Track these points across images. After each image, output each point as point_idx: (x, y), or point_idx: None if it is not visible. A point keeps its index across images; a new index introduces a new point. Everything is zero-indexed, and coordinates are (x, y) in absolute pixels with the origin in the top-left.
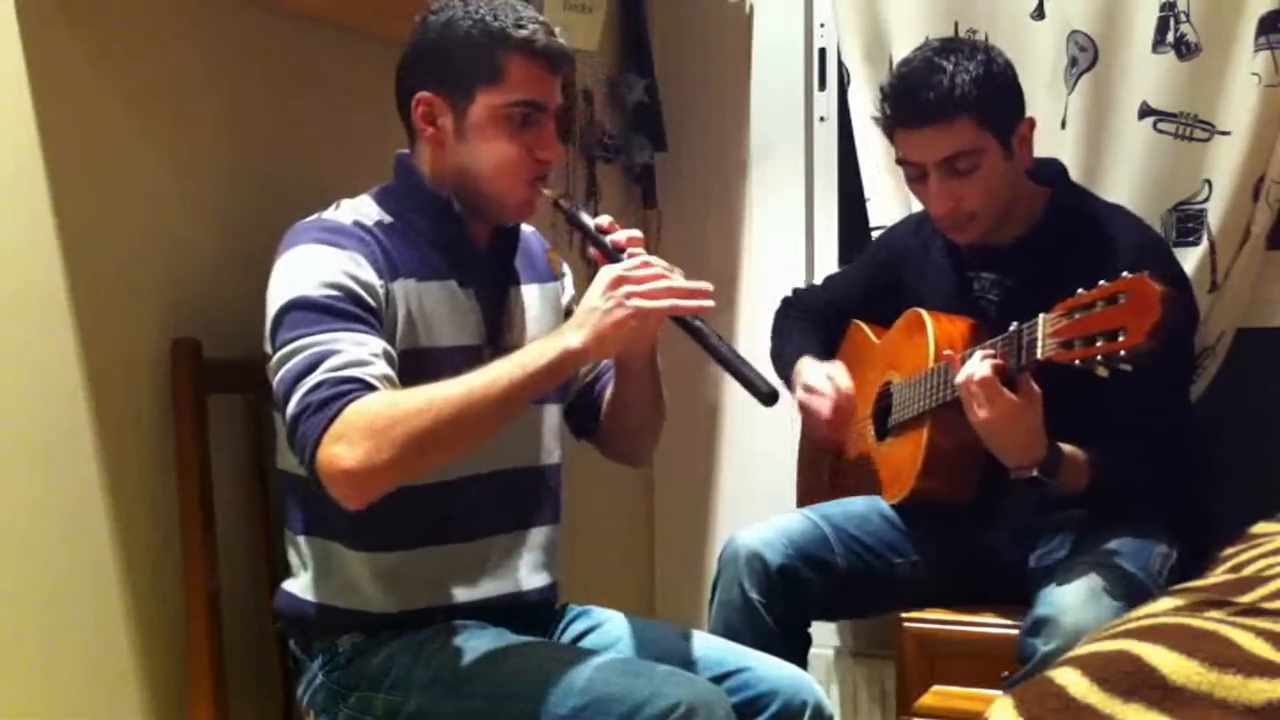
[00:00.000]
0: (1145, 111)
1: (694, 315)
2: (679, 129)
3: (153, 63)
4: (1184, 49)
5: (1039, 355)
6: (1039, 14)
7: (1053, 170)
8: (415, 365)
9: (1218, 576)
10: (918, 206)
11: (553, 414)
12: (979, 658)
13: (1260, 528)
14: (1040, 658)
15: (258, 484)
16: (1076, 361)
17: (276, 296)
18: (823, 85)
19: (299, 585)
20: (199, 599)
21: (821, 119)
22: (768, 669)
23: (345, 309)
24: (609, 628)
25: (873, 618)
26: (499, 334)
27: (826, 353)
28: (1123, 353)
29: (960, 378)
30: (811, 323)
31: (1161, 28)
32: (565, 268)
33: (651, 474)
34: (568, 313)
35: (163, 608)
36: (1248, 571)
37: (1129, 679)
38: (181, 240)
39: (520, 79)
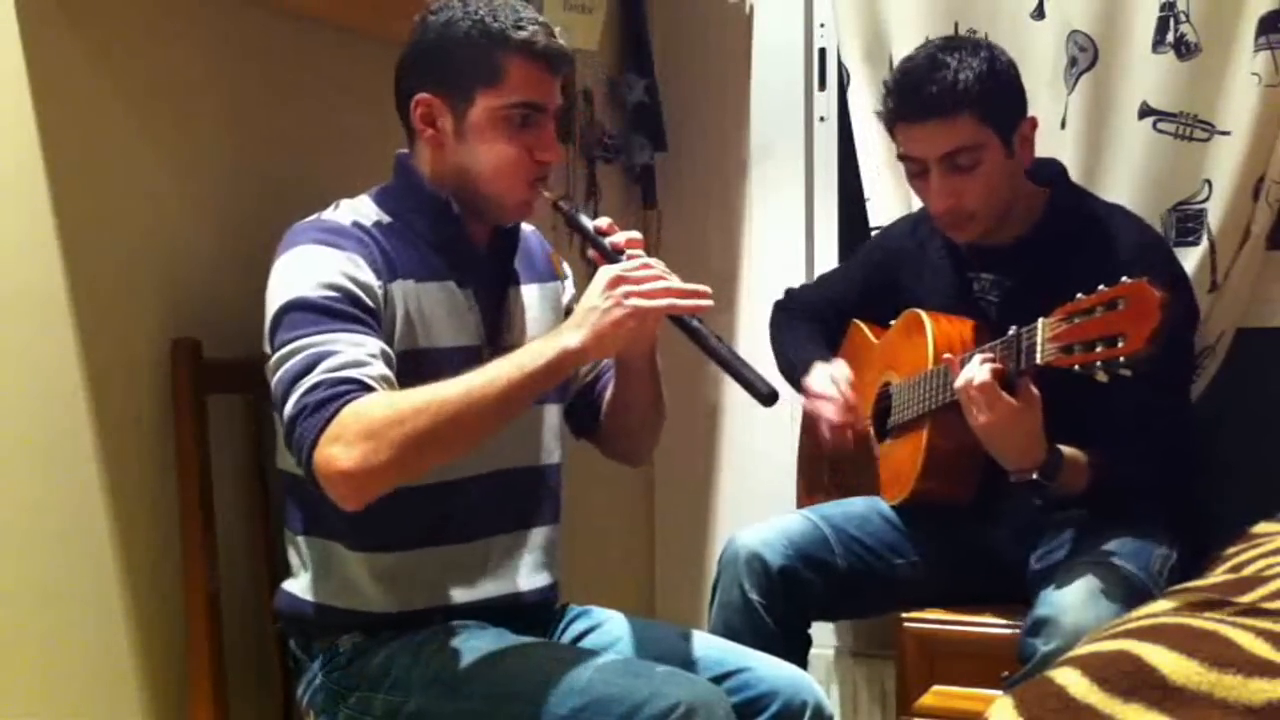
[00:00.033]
0: (1145, 111)
1: (693, 316)
2: (679, 129)
3: (153, 63)
4: (1184, 49)
5: (1038, 360)
6: (1039, 14)
7: (1052, 170)
8: (414, 366)
9: (1218, 576)
10: (917, 206)
11: (553, 414)
12: (979, 658)
13: (1260, 528)
14: (1040, 658)
15: (258, 484)
16: (1076, 366)
17: (275, 297)
18: (823, 85)
19: (299, 585)
20: (199, 599)
21: (821, 119)
22: (768, 669)
23: (343, 310)
24: (609, 628)
25: (873, 618)
26: (498, 334)
27: (831, 354)
28: (1122, 359)
29: (959, 382)
30: (817, 324)
31: (1161, 28)
32: (566, 268)
33: (651, 474)
34: (568, 312)
35: (163, 608)
36: (1248, 571)
37: (1129, 679)
38: (181, 240)
39: (520, 80)
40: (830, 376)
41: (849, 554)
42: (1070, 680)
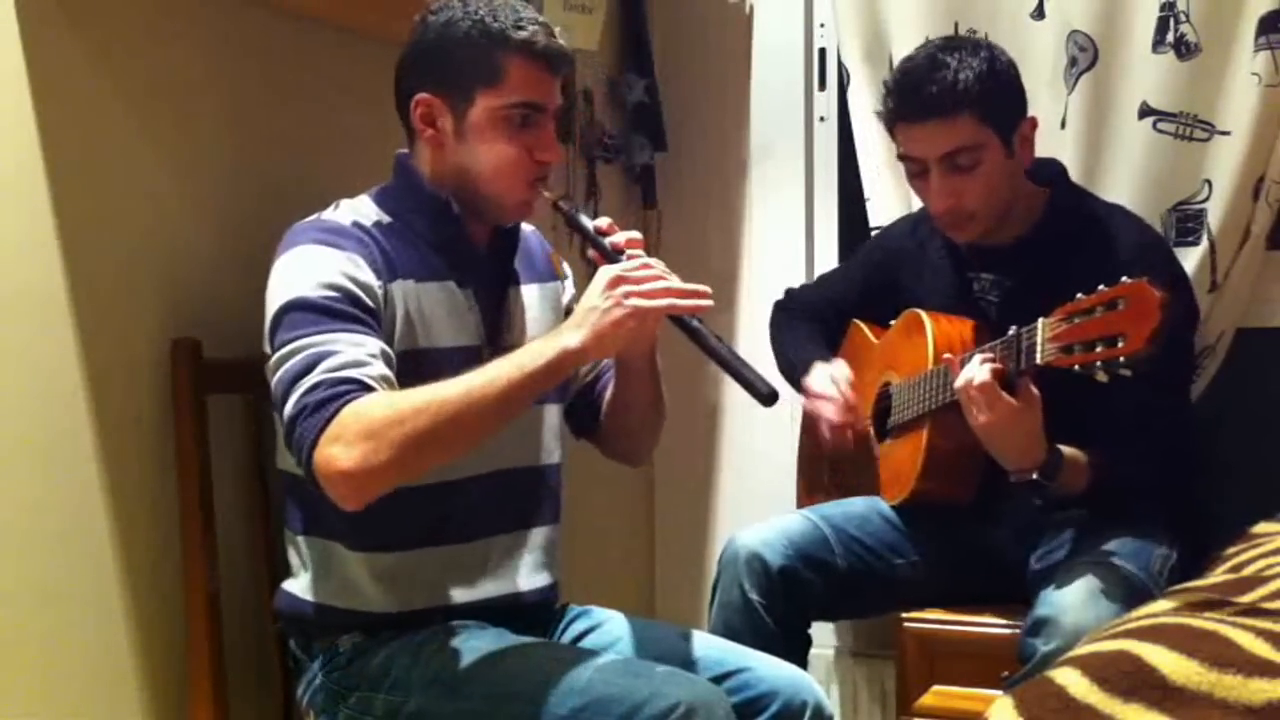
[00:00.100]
0: (1145, 111)
1: (692, 316)
2: (679, 129)
3: (153, 63)
4: (1184, 49)
5: (1038, 360)
6: (1039, 14)
7: (1052, 170)
8: (414, 366)
9: (1218, 576)
10: (917, 206)
11: (553, 414)
12: (979, 658)
13: (1260, 528)
14: (1040, 658)
15: (258, 484)
16: (1076, 366)
17: (275, 297)
18: (823, 85)
19: (299, 585)
20: (199, 599)
21: (821, 119)
22: (768, 669)
23: (343, 310)
24: (609, 628)
25: (873, 618)
26: (498, 334)
27: (831, 354)
28: (1122, 359)
29: (959, 382)
30: (818, 325)
31: (1161, 28)
32: (566, 268)
33: (651, 474)
34: (568, 312)
35: (163, 608)
36: (1248, 571)
37: (1129, 679)
38: (181, 240)
39: (520, 81)
40: (830, 376)
41: (849, 554)
42: (1070, 680)
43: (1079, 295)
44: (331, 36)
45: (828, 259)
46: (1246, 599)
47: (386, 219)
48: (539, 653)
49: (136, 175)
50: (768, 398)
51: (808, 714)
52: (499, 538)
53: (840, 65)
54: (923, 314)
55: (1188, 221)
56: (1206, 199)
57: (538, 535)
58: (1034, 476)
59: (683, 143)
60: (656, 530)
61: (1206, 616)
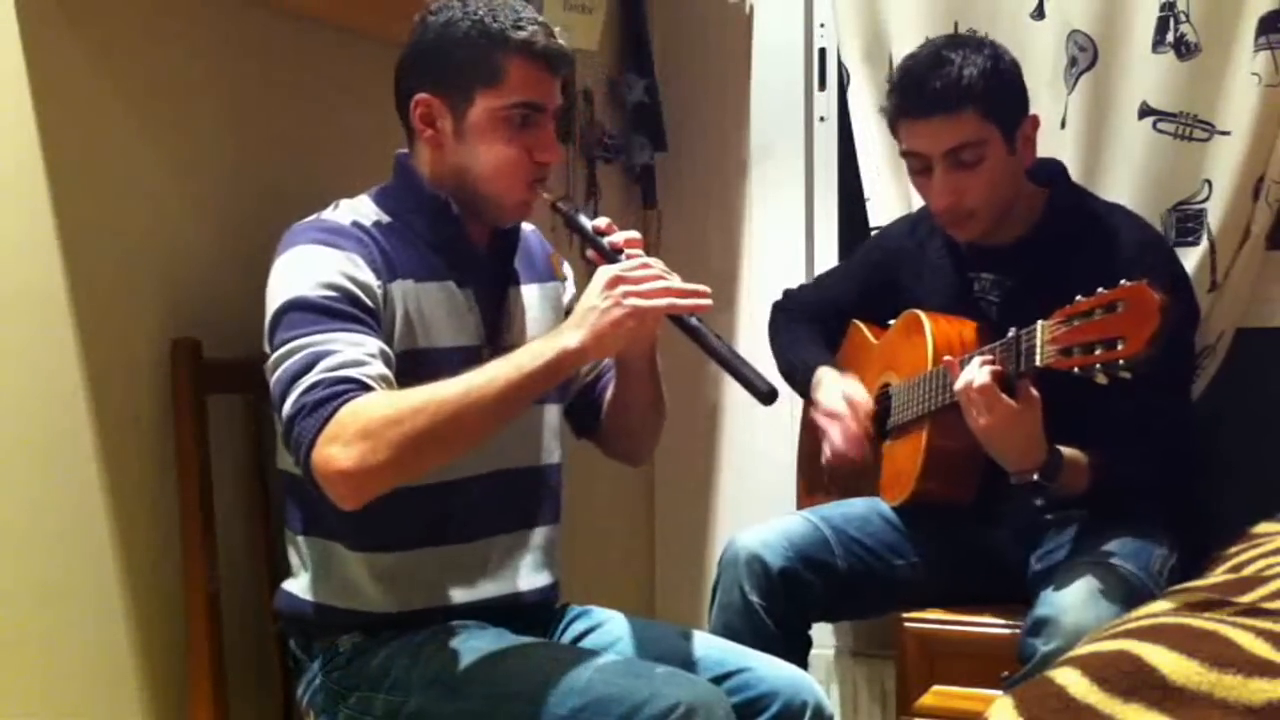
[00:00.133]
0: (1145, 111)
1: (692, 315)
2: (679, 129)
3: (153, 63)
4: (1184, 49)
5: (1038, 362)
6: (1039, 14)
7: (1052, 170)
8: (414, 366)
9: (1218, 576)
10: (917, 206)
11: (553, 414)
12: (979, 658)
13: (1260, 528)
14: (1040, 658)
15: (258, 484)
16: (1075, 369)
17: (275, 297)
18: (823, 85)
19: (299, 585)
20: (199, 599)
21: (821, 119)
22: (768, 669)
23: (342, 309)
24: (609, 628)
25: (873, 619)
26: (498, 334)
27: (831, 355)
28: (1121, 361)
29: (959, 384)
30: (817, 326)
31: (1161, 28)
32: (566, 268)
33: (651, 474)
34: (568, 312)
35: (163, 608)
36: (1248, 571)
37: (1129, 679)
38: (181, 240)
39: (519, 81)
40: (845, 396)
41: (849, 555)
42: (1070, 680)
43: (1079, 297)
44: (331, 36)
45: (828, 259)
46: (1246, 599)
47: (386, 219)
48: (539, 653)
49: (136, 175)
50: (767, 396)
51: (808, 714)
52: (499, 538)
53: (840, 65)
54: (922, 315)
55: (1188, 221)
56: (1206, 199)
57: (538, 535)
58: (1034, 478)
59: (683, 143)
60: (656, 530)
61: (1206, 616)
